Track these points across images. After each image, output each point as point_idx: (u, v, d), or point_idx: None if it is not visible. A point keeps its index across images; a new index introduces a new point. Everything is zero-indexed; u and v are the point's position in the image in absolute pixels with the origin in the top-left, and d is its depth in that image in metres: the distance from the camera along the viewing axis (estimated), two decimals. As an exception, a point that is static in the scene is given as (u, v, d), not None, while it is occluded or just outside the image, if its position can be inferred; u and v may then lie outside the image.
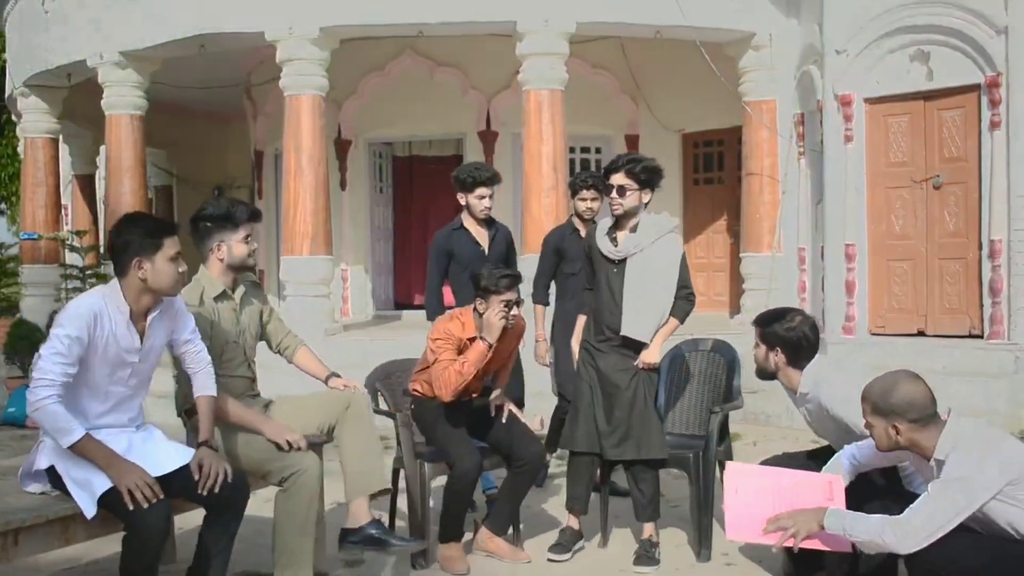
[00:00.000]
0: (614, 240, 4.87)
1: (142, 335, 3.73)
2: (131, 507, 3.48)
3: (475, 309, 4.72)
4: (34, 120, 13.14)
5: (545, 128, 9.84)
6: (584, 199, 6.01)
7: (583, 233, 5.89)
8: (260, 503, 4.23)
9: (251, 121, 14.21)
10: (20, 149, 14.70)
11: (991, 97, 8.31)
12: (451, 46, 11.82)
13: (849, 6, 9.18)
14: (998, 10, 8.22)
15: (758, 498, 3.70)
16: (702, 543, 4.89)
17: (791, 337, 4.14)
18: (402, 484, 5.03)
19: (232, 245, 4.24)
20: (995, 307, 8.30)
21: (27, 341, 10.33)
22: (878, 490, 3.89)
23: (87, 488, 3.57)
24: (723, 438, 5.24)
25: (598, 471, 5.08)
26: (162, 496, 3.56)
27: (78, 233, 12.85)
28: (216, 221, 4.24)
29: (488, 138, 12.51)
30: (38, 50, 12.14)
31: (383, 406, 5.20)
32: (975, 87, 8.47)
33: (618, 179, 4.79)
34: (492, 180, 5.73)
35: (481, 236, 5.83)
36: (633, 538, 5.20)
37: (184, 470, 3.75)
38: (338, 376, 4.61)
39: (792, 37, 10.29)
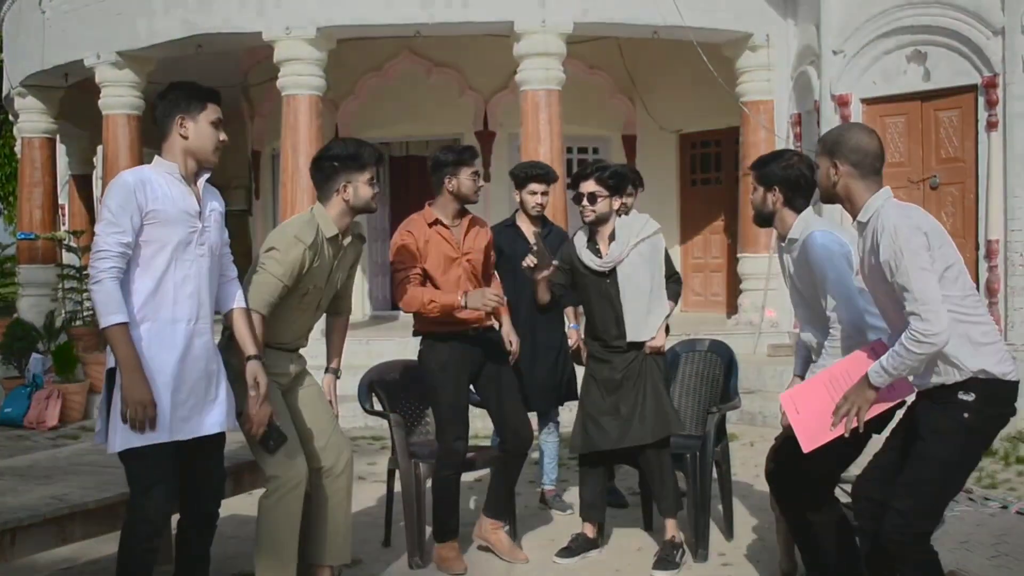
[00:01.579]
0: (596, 252, 4.91)
1: (198, 200, 3.63)
2: (128, 423, 3.37)
3: (434, 199, 4.81)
4: (31, 120, 13.12)
5: (542, 128, 9.84)
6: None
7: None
8: (254, 502, 4.22)
9: (248, 121, 14.22)
10: (17, 149, 14.70)
11: (988, 98, 8.33)
12: (448, 46, 11.82)
13: (846, 7, 9.20)
14: (995, 11, 8.25)
15: (818, 403, 3.65)
16: (699, 543, 4.89)
17: (790, 175, 4.10)
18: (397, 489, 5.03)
19: (359, 186, 4.14)
20: (992, 308, 8.31)
21: (24, 342, 10.32)
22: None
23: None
24: (720, 438, 5.24)
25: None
26: (155, 429, 3.42)
27: (75, 233, 12.82)
28: (343, 161, 4.13)
29: (485, 138, 12.51)
30: (35, 50, 12.13)
31: (377, 407, 5.20)
32: (972, 88, 8.50)
33: (588, 187, 4.83)
34: (545, 177, 5.71)
35: (531, 235, 5.74)
36: (630, 538, 5.22)
37: (214, 436, 3.66)
38: (336, 376, 4.51)
39: (789, 38, 10.31)
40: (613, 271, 4.86)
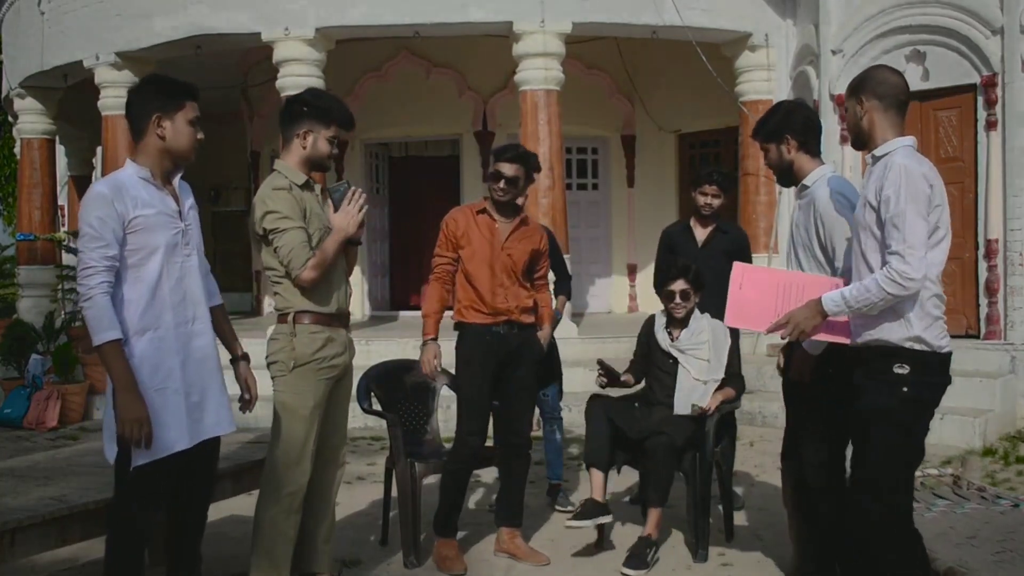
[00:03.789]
0: (670, 334, 5.24)
1: (175, 200, 3.57)
2: (125, 437, 3.33)
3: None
4: (30, 121, 13.12)
5: (541, 129, 9.84)
6: (705, 193, 5.92)
7: (696, 233, 6.01)
8: (254, 502, 4.22)
9: (247, 122, 14.20)
10: (16, 150, 14.69)
11: (987, 97, 8.32)
12: (447, 47, 11.82)
13: (845, 6, 9.20)
14: (994, 10, 8.25)
15: (763, 294, 3.72)
16: (699, 543, 4.88)
17: (792, 120, 4.12)
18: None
19: (319, 139, 4.08)
20: (991, 307, 8.31)
21: (23, 342, 10.31)
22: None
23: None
24: (722, 437, 5.24)
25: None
26: (151, 446, 3.37)
27: (74, 234, 12.80)
28: (312, 108, 4.09)
29: (485, 139, 12.52)
30: (34, 51, 12.13)
31: (376, 407, 5.20)
32: (971, 87, 8.49)
33: (679, 285, 5.18)
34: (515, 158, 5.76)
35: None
36: (631, 538, 5.20)
37: (210, 442, 3.64)
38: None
39: (788, 37, 10.32)
40: (679, 354, 5.18)
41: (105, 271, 3.34)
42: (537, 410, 5.94)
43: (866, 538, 3.52)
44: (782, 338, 3.69)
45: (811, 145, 4.08)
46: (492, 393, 4.86)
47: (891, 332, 3.46)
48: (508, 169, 4.79)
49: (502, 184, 4.78)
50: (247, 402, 3.79)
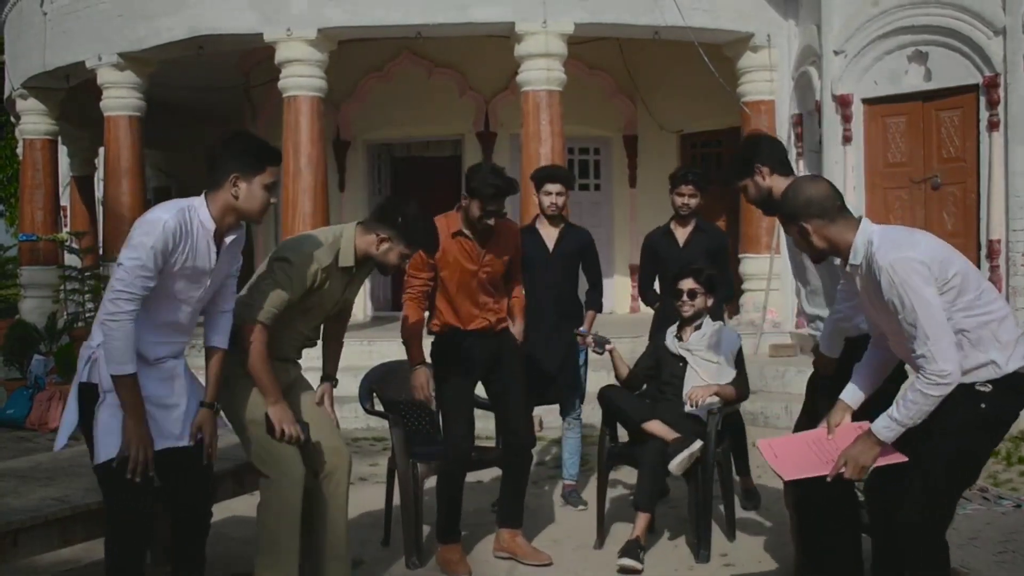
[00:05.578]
0: (679, 337, 5.31)
1: (217, 253, 3.61)
2: (127, 455, 3.42)
3: (462, 207, 4.76)
4: (33, 122, 13.13)
5: (544, 129, 9.84)
6: (682, 194, 5.99)
7: (677, 234, 6.10)
8: (255, 502, 4.22)
9: (249, 123, 14.20)
10: (19, 151, 14.69)
11: (989, 97, 8.32)
12: (449, 47, 11.82)
13: (847, 7, 9.20)
14: (996, 10, 8.24)
15: (797, 453, 3.65)
16: (701, 544, 4.88)
17: (756, 150, 4.16)
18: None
19: (392, 250, 4.09)
20: (993, 307, 8.31)
21: (25, 343, 10.32)
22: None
23: (112, 435, 3.46)
24: (724, 437, 5.24)
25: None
26: (151, 474, 3.46)
27: (77, 235, 12.84)
28: (405, 225, 4.08)
29: (487, 139, 12.51)
30: (36, 52, 12.13)
31: (378, 407, 5.20)
32: (973, 87, 8.49)
33: (688, 284, 5.23)
34: (557, 176, 5.84)
35: (549, 236, 5.88)
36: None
37: (190, 448, 3.66)
38: (333, 384, 4.40)
39: (790, 38, 10.32)
40: (686, 361, 5.23)
41: (139, 299, 3.42)
42: (545, 410, 5.98)
43: (902, 545, 3.46)
44: (845, 478, 3.49)
45: (779, 167, 4.12)
46: (474, 396, 4.88)
47: (981, 375, 3.36)
48: (495, 207, 4.65)
49: (491, 220, 4.67)
50: (197, 444, 3.69)
